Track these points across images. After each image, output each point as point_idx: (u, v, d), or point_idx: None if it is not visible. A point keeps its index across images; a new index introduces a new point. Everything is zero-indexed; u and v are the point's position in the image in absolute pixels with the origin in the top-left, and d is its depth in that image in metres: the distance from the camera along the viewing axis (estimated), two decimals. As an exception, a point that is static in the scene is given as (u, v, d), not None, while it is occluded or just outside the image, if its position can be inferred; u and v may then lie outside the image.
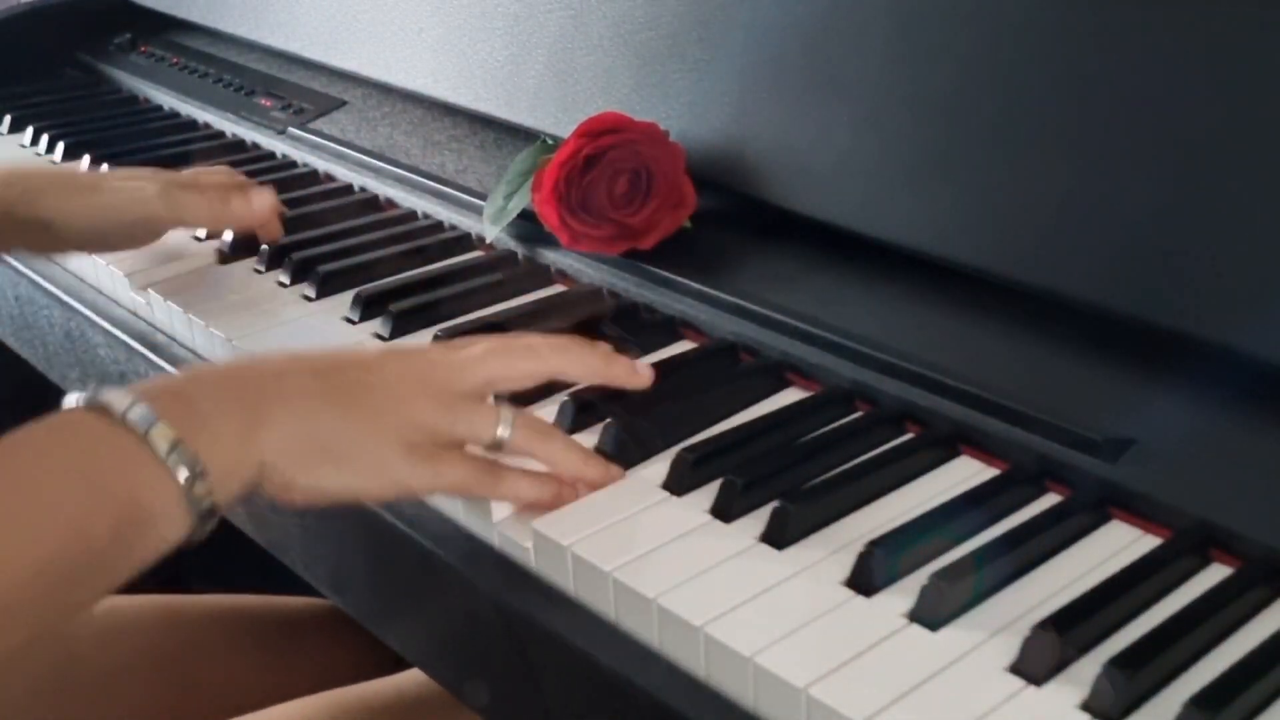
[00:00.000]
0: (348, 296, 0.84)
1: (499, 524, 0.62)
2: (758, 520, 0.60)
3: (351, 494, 0.58)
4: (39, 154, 1.20)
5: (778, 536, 0.59)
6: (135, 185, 0.85)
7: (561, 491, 0.61)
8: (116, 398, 0.52)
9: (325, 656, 0.93)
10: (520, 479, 0.61)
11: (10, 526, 0.48)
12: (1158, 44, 0.65)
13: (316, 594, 0.79)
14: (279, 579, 0.85)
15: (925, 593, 0.54)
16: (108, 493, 0.50)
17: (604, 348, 0.67)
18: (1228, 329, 0.61)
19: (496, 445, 0.61)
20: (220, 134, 1.21)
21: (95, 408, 0.52)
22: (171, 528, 0.52)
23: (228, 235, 0.93)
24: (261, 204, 0.87)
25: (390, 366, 0.60)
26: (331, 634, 0.95)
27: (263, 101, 1.21)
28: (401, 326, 0.80)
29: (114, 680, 0.84)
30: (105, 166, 1.09)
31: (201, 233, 0.94)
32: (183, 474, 0.51)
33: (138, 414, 0.51)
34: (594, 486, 0.62)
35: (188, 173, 0.91)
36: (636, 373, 0.67)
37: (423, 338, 0.79)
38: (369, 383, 0.59)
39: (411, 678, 0.85)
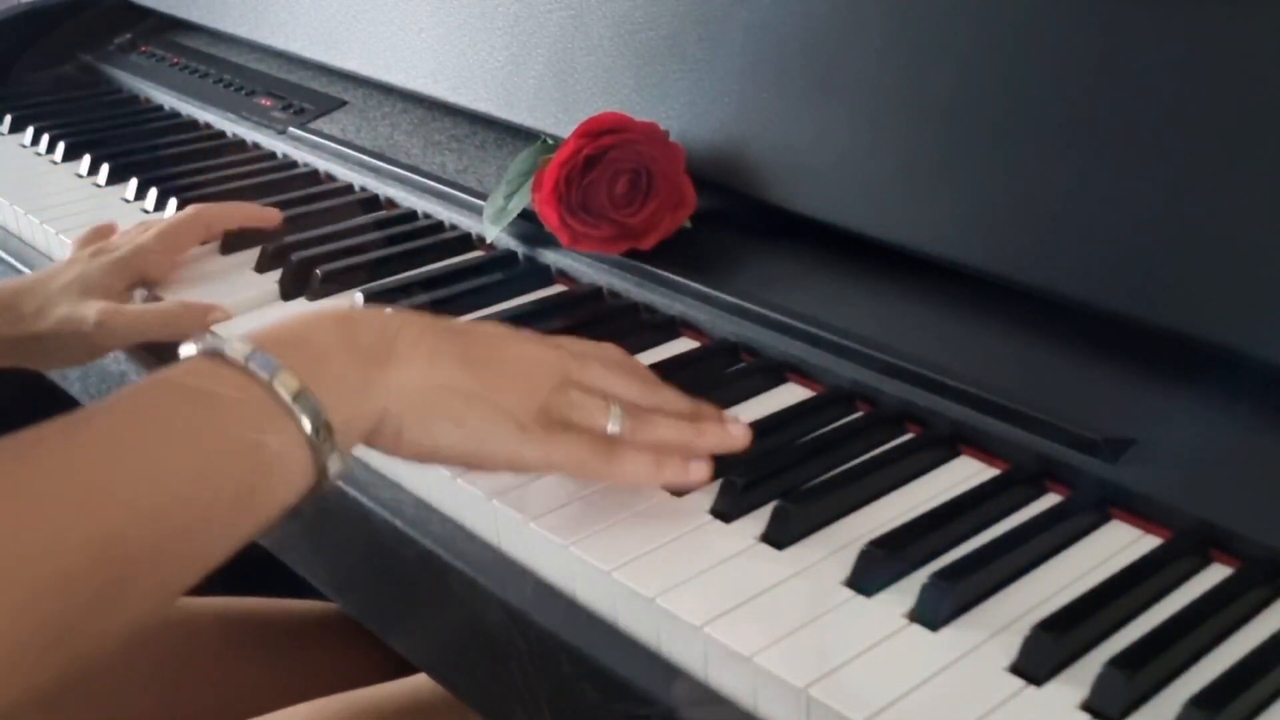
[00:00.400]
0: (348, 297, 0.84)
1: (501, 527, 0.62)
2: (758, 520, 0.60)
3: (461, 455, 0.57)
4: (39, 154, 1.20)
5: (778, 536, 0.59)
6: (76, 320, 0.79)
7: (680, 470, 0.60)
8: (238, 345, 0.52)
9: (331, 660, 0.93)
10: (636, 460, 0.60)
11: (142, 479, 0.47)
12: (1158, 43, 0.65)
13: (323, 597, 0.79)
14: (284, 582, 0.85)
15: (925, 593, 0.54)
16: (233, 439, 0.50)
17: (702, 413, 0.64)
18: (1228, 329, 0.61)
19: (607, 440, 0.60)
20: (220, 134, 1.21)
21: (215, 356, 0.51)
22: (297, 475, 0.51)
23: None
24: (207, 313, 0.81)
25: (517, 344, 0.61)
26: (337, 637, 0.95)
27: (263, 101, 1.22)
28: (401, 326, 0.80)
29: (119, 682, 0.84)
30: (105, 167, 1.09)
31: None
32: (306, 421, 0.51)
33: (260, 361, 0.51)
34: (723, 450, 0.62)
35: (130, 247, 0.85)
36: (730, 435, 0.63)
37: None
38: (494, 353, 0.59)
39: (420, 682, 0.85)
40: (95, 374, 0.93)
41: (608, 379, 0.62)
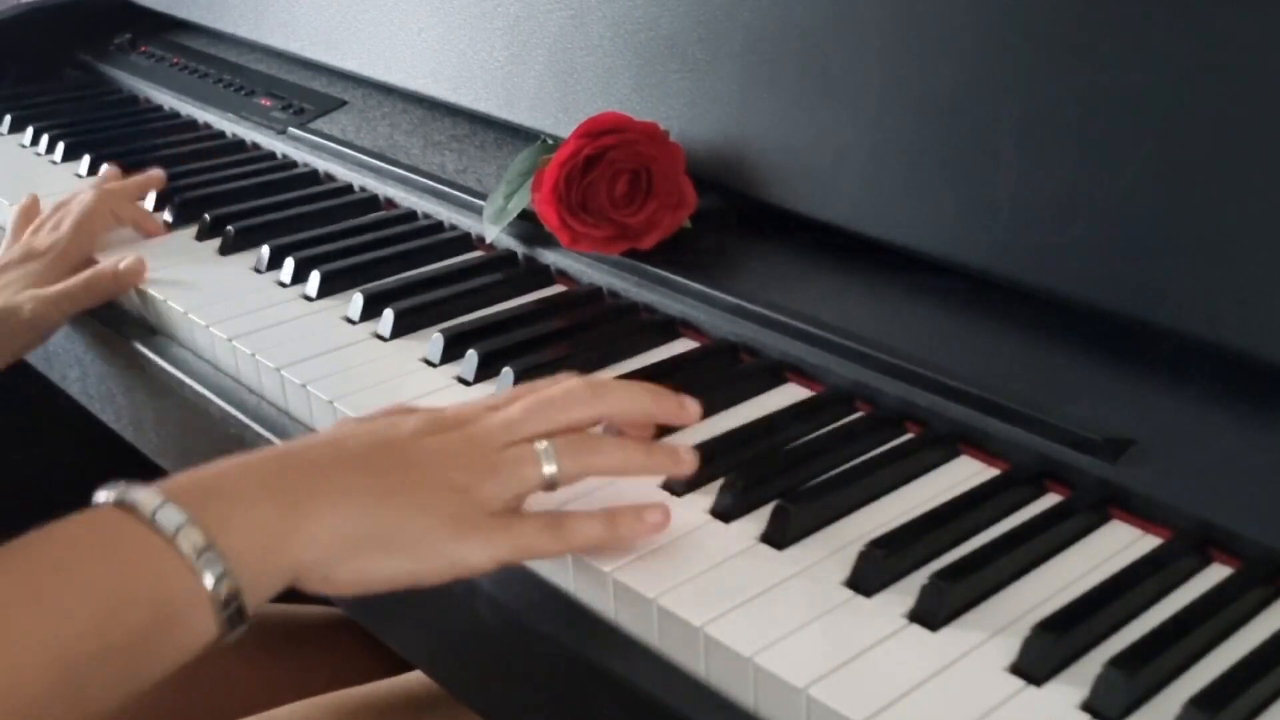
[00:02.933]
0: (348, 296, 0.84)
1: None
2: (758, 520, 0.60)
3: (402, 578, 0.55)
4: (39, 154, 1.20)
5: (778, 536, 0.59)
6: (11, 312, 0.87)
7: (635, 521, 0.58)
8: (146, 496, 0.51)
9: (331, 660, 0.93)
10: (586, 523, 0.58)
11: (30, 619, 0.47)
12: (1158, 43, 0.65)
13: (323, 599, 0.79)
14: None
15: (925, 593, 0.54)
16: (132, 591, 0.49)
17: (646, 385, 0.63)
18: (1228, 329, 0.61)
19: (551, 485, 0.58)
20: (220, 134, 1.21)
21: (125, 506, 0.51)
22: (198, 630, 0.50)
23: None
24: (129, 269, 0.89)
25: (428, 443, 0.58)
26: (337, 638, 0.95)
27: (263, 101, 1.22)
28: (402, 326, 0.80)
29: None
30: (105, 167, 1.09)
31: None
32: (210, 578, 0.50)
33: (167, 515, 0.50)
34: (674, 473, 0.61)
35: (51, 239, 0.94)
36: (684, 408, 0.63)
37: (423, 338, 0.79)
38: (409, 465, 0.56)
39: (415, 679, 0.85)
40: (94, 375, 0.93)
41: (532, 417, 0.59)
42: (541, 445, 0.58)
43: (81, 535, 0.50)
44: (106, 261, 0.91)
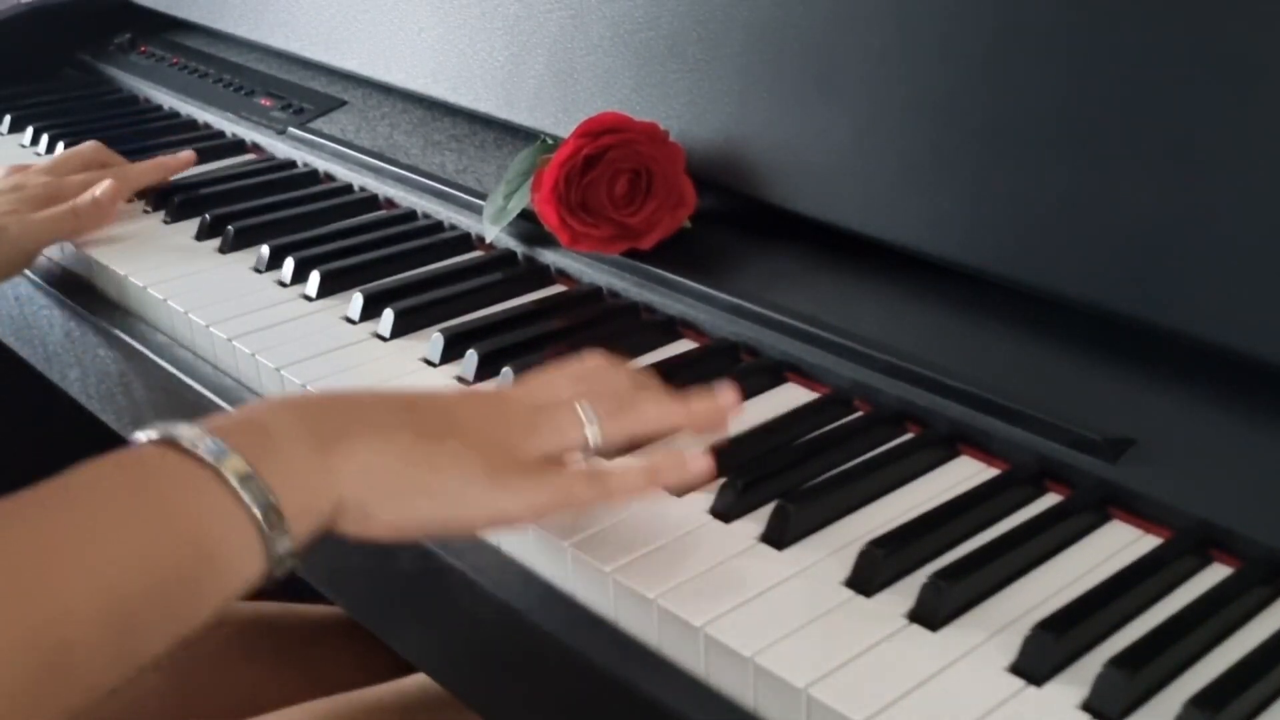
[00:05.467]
0: (348, 296, 0.84)
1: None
2: (758, 520, 0.60)
3: (439, 524, 0.55)
4: (39, 154, 1.20)
5: (778, 536, 0.59)
6: None
7: (678, 468, 0.58)
8: (186, 430, 0.50)
9: (335, 662, 0.93)
10: (626, 475, 0.57)
11: (76, 560, 0.46)
12: (1158, 43, 0.65)
13: (328, 600, 0.79)
14: (291, 585, 0.85)
15: (925, 593, 0.54)
16: (178, 526, 0.48)
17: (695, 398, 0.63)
18: (1228, 329, 0.61)
19: (591, 447, 0.58)
20: (220, 134, 1.21)
21: (165, 441, 0.50)
22: (246, 564, 0.50)
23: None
24: (104, 192, 0.94)
25: (470, 401, 0.59)
26: (341, 639, 0.95)
27: (263, 101, 1.21)
28: (402, 326, 0.80)
29: (126, 683, 0.84)
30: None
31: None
32: (256, 508, 0.49)
33: (208, 446, 0.50)
34: (716, 426, 0.60)
35: (43, 178, 0.97)
36: (717, 407, 0.62)
37: (423, 337, 0.79)
38: (449, 417, 0.57)
39: (419, 681, 0.85)
40: (95, 374, 0.93)
41: (573, 385, 0.60)
42: (582, 406, 0.58)
43: (125, 470, 0.50)
44: (83, 196, 0.94)
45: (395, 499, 0.54)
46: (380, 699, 0.83)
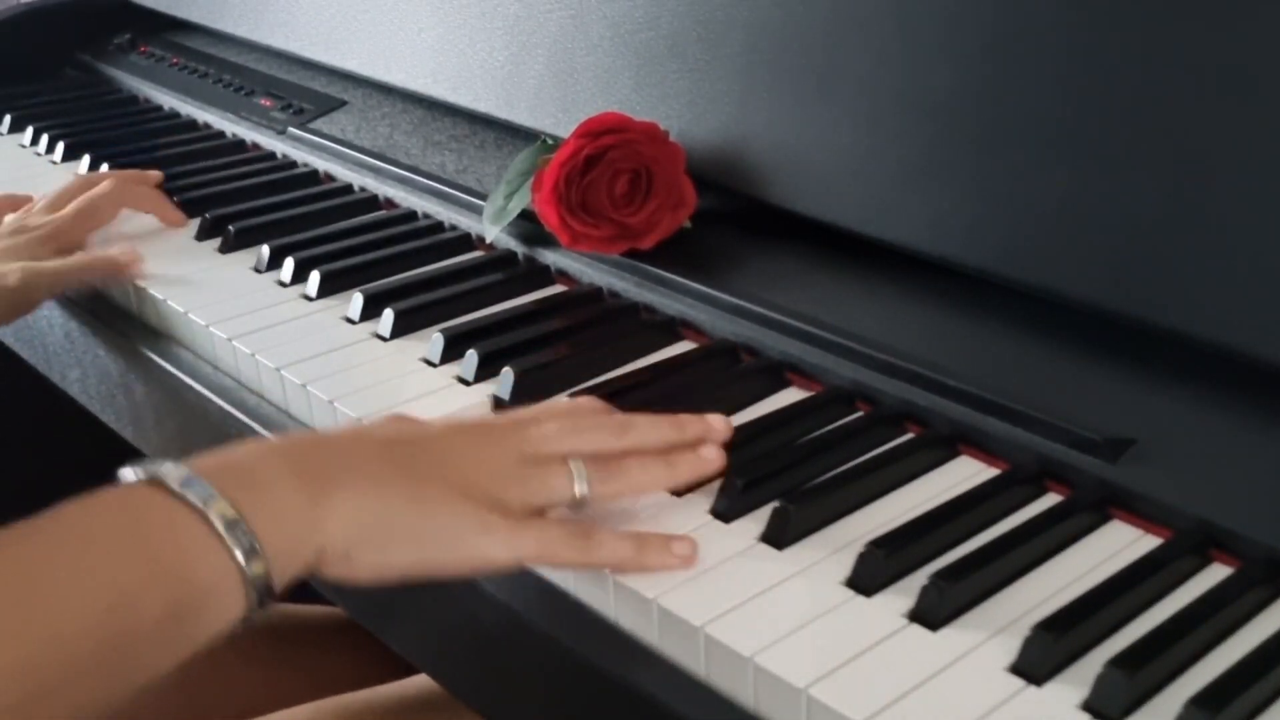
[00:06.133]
0: (348, 296, 0.84)
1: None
2: (758, 520, 0.60)
3: (423, 568, 0.55)
4: (39, 154, 1.20)
5: (778, 536, 0.59)
6: None
7: (662, 551, 0.57)
8: (173, 471, 0.51)
9: (336, 662, 0.93)
10: (614, 542, 0.57)
11: (59, 595, 0.46)
12: (1157, 43, 0.65)
13: (327, 600, 0.79)
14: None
15: (925, 593, 0.54)
16: (161, 566, 0.49)
17: (668, 417, 0.63)
18: (1228, 329, 0.61)
19: (579, 504, 0.58)
20: (220, 134, 1.21)
21: (152, 481, 0.51)
22: (227, 607, 0.50)
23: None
24: (129, 262, 0.90)
25: (457, 441, 0.58)
26: (343, 640, 0.95)
27: (263, 101, 1.22)
28: (402, 326, 0.80)
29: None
30: (105, 166, 1.09)
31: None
32: (239, 553, 0.50)
33: (196, 489, 0.50)
34: (702, 476, 0.60)
35: (45, 218, 0.93)
36: (711, 427, 0.62)
37: (423, 337, 0.79)
38: (437, 457, 0.57)
39: (417, 683, 0.85)
40: (95, 374, 0.93)
41: (564, 438, 0.59)
42: (575, 464, 0.58)
43: (112, 510, 0.50)
44: (107, 250, 0.91)
45: (380, 546, 0.54)
46: (380, 701, 0.83)
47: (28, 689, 0.45)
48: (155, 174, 1.03)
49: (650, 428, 0.62)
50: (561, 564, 0.58)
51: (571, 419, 0.61)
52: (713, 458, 0.61)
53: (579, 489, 0.58)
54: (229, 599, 0.50)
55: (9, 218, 0.95)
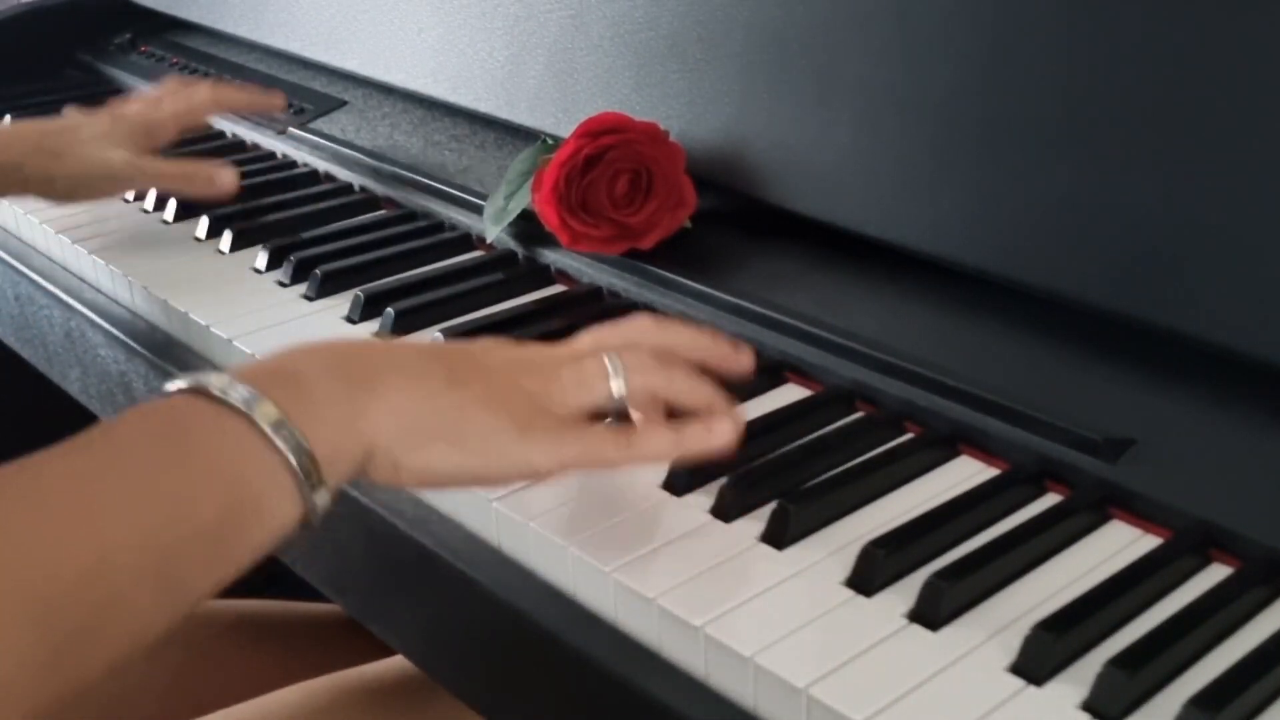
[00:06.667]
0: (348, 296, 0.84)
1: (501, 527, 0.62)
2: (758, 520, 0.60)
3: (467, 475, 0.55)
4: (39, 154, 1.20)
5: (778, 536, 0.59)
6: (101, 163, 0.96)
7: (703, 434, 0.57)
8: (217, 379, 0.51)
9: (334, 661, 0.93)
10: (654, 434, 0.57)
11: (114, 510, 0.46)
12: (1158, 43, 0.65)
13: (328, 600, 0.79)
14: (294, 584, 0.85)
15: (925, 593, 0.54)
16: (213, 471, 0.48)
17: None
18: (1228, 329, 0.61)
19: (618, 403, 0.58)
20: (220, 134, 1.21)
21: (196, 389, 0.51)
22: (283, 508, 0.50)
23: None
24: (226, 183, 0.97)
25: (497, 350, 0.59)
26: (344, 638, 0.95)
27: (263, 101, 1.21)
28: (402, 326, 0.80)
29: (132, 679, 0.84)
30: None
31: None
32: (289, 453, 0.49)
33: (240, 393, 0.50)
34: (731, 422, 0.60)
35: (142, 115, 1.01)
36: (737, 355, 0.63)
37: (423, 338, 0.79)
38: (477, 363, 0.57)
39: (405, 662, 0.85)
40: (95, 374, 0.93)
41: (603, 338, 0.60)
42: (611, 359, 0.58)
43: (157, 419, 0.50)
44: (205, 165, 0.98)
45: (424, 447, 0.54)
46: (372, 678, 0.83)
47: (94, 604, 0.45)
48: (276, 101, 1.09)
49: (686, 331, 0.62)
50: (605, 464, 0.58)
51: (607, 329, 0.62)
52: (739, 418, 0.60)
53: (614, 383, 0.58)
54: (284, 500, 0.50)
55: (105, 110, 1.01)
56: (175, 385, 0.52)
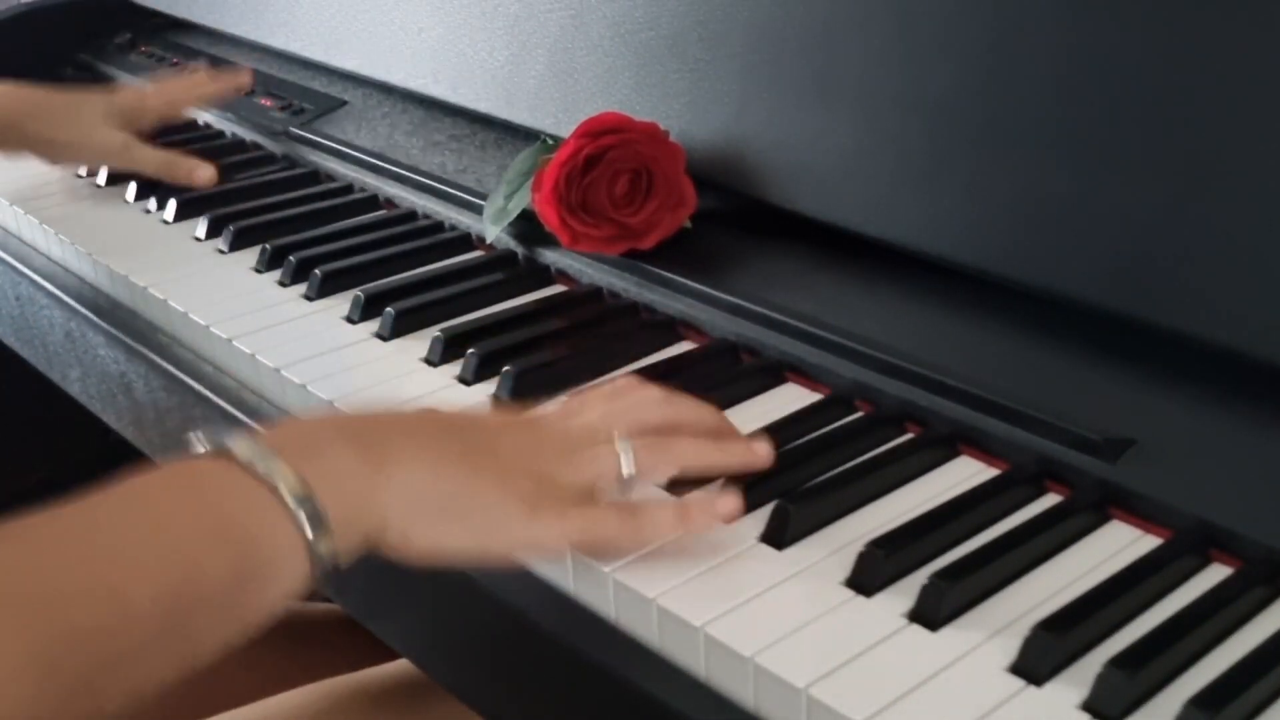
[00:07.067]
0: (348, 296, 0.84)
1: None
2: (758, 520, 0.60)
3: (476, 552, 0.56)
4: (39, 154, 1.20)
5: (778, 536, 0.59)
6: (101, 139, 1.05)
7: (708, 513, 0.58)
8: (242, 444, 0.52)
9: (334, 660, 0.93)
10: (660, 514, 0.58)
11: (127, 561, 0.47)
12: (1157, 42, 0.65)
13: (328, 600, 0.79)
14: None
15: (925, 593, 0.54)
16: (228, 535, 0.49)
17: (709, 406, 0.64)
18: (1228, 329, 0.61)
19: (627, 484, 0.59)
20: (220, 134, 1.21)
21: (219, 453, 0.52)
22: (292, 577, 0.51)
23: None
24: (204, 177, 1.04)
25: (509, 427, 0.60)
26: (341, 638, 0.95)
27: (263, 101, 1.21)
28: (402, 326, 0.80)
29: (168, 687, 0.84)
30: (105, 169, 1.10)
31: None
32: (308, 525, 0.50)
33: (263, 460, 0.51)
34: (750, 464, 0.60)
35: (133, 103, 1.09)
36: (754, 453, 0.62)
37: (423, 337, 0.79)
38: (490, 441, 0.58)
39: (406, 666, 0.85)
40: (95, 375, 0.93)
41: (611, 414, 0.60)
42: (622, 442, 0.58)
43: (180, 479, 0.51)
44: (188, 158, 1.05)
45: (436, 523, 0.55)
46: (372, 682, 0.83)
47: (100, 655, 0.45)
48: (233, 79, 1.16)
49: (693, 403, 0.63)
50: (611, 543, 0.58)
51: (615, 399, 0.62)
52: (764, 452, 0.61)
53: (625, 465, 0.58)
54: (293, 568, 0.51)
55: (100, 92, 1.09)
56: (200, 445, 0.53)
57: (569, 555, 0.59)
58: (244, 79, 1.15)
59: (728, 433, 0.63)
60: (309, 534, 0.51)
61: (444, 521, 0.55)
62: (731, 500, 0.58)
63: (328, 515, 0.51)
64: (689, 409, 0.63)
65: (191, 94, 1.14)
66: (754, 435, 0.62)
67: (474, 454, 0.57)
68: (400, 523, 0.54)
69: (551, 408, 0.63)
